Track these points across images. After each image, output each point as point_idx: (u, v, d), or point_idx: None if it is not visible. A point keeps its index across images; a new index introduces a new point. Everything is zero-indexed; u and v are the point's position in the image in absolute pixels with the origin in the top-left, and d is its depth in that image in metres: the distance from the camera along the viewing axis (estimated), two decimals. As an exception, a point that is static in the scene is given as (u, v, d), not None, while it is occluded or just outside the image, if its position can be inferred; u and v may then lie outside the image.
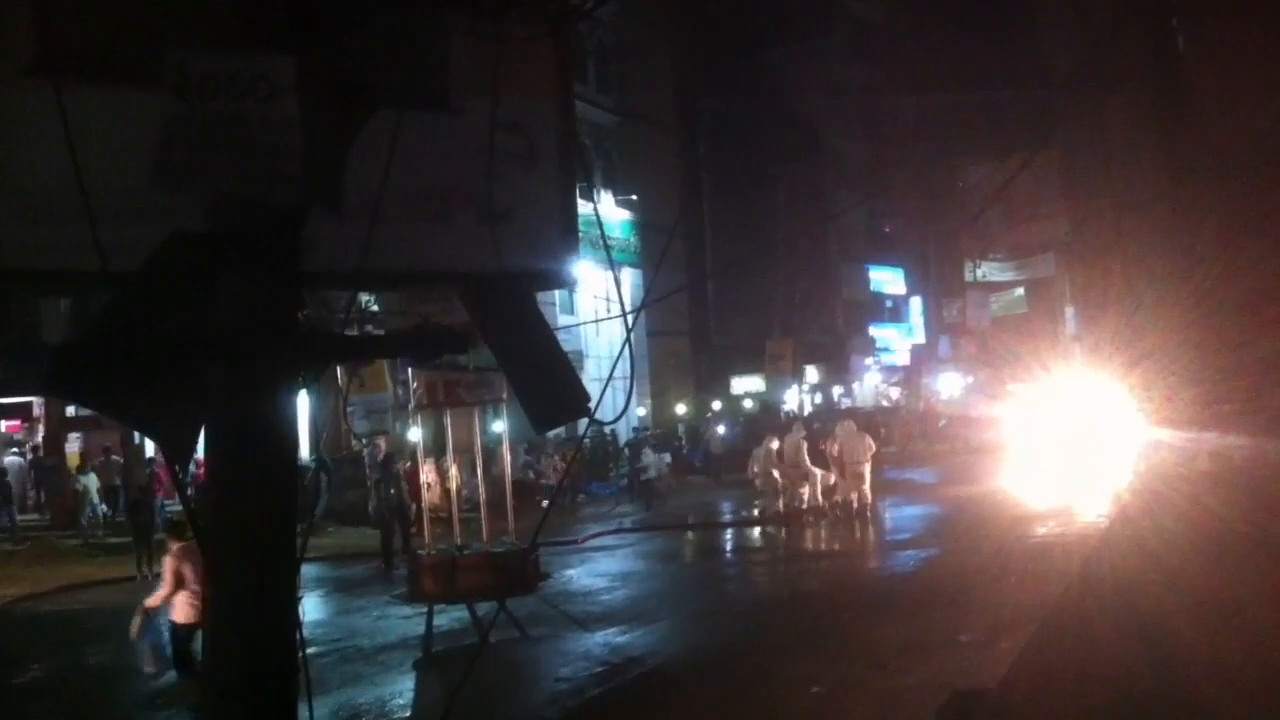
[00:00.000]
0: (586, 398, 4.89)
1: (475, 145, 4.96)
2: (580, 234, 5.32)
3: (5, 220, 4.77)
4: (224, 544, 4.52)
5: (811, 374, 52.32)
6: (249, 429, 4.42)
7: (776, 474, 24.10)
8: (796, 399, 47.32)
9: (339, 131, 4.70)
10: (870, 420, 36.50)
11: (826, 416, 39.84)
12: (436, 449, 21.01)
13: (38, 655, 15.33)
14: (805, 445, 24.09)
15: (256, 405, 4.43)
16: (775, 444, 24.48)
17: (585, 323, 33.21)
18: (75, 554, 24.30)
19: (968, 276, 61.50)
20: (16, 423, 31.00)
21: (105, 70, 4.68)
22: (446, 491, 18.93)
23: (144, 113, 4.50)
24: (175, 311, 4.37)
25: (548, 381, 4.78)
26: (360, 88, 4.73)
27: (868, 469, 23.44)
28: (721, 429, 38.26)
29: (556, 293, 30.02)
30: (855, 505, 23.23)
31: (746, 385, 50.09)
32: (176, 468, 4.77)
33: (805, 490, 23.71)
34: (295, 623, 4.58)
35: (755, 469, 25.05)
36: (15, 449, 31.10)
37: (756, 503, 25.36)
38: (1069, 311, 43.64)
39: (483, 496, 15.10)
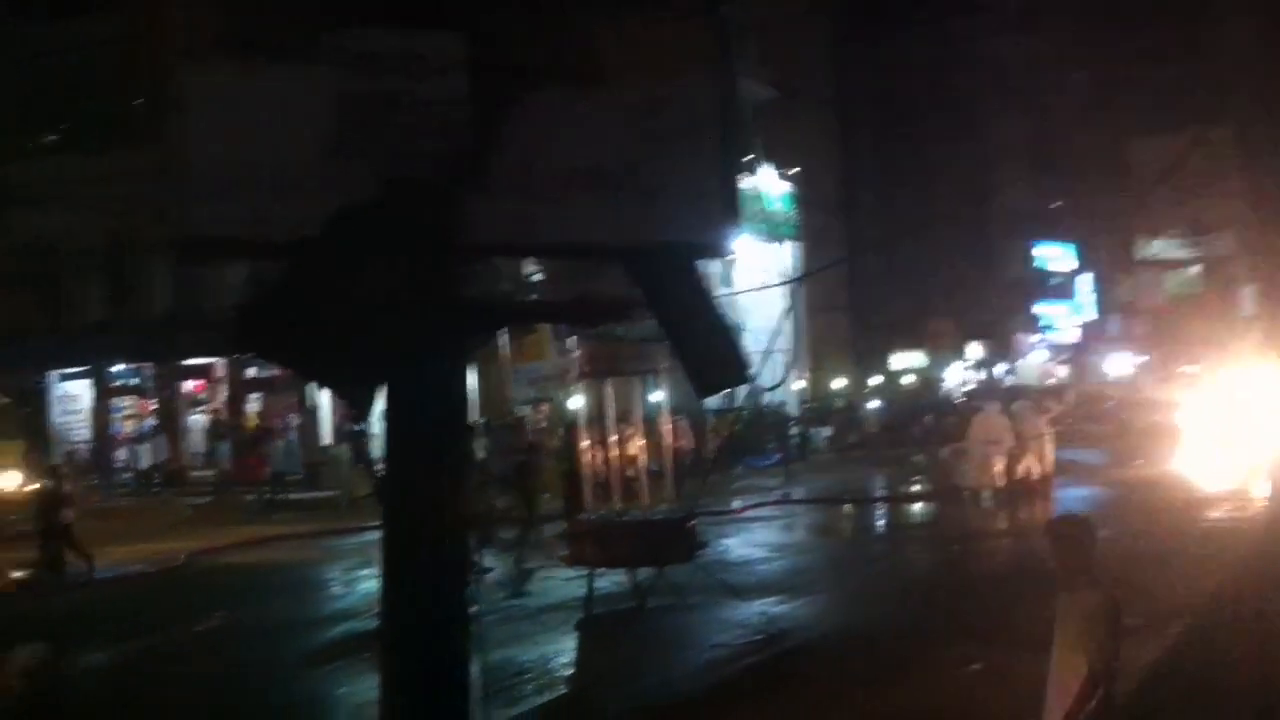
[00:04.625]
0: (748, 365, 4.94)
1: (637, 120, 5.04)
2: (740, 207, 5.36)
3: (191, 192, 4.97)
4: (398, 500, 4.72)
5: (974, 350, 51.32)
6: (423, 389, 4.59)
7: (995, 446, 23.03)
8: (959, 376, 46.48)
9: (503, 108, 4.82)
10: (1038, 399, 35.60)
11: (990, 394, 39.02)
12: (597, 418, 21.28)
13: (232, 605, 16.10)
14: (1019, 419, 23.10)
15: (429, 367, 4.60)
16: (993, 412, 23.47)
17: (742, 292, 33.13)
18: (253, 510, 25.39)
19: (1140, 254, 59.37)
20: (201, 383, 32.47)
21: (282, 50, 4.87)
22: (609, 459, 19.19)
23: (317, 91, 4.70)
24: (350, 278, 4.58)
25: (710, 349, 4.86)
26: (523, 66, 4.86)
27: (1048, 447, 22.86)
28: (875, 404, 37.85)
29: (713, 265, 30.01)
30: (1030, 482, 22.62)
31: (906, 361, 49.41)
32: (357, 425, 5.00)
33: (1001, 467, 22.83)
34: (466, 580, 4.75)
35: (947, 450, 24.37)
36: (200, 408, 32.57)
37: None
38: (1246, 291, 41.84)
39: (643, 465, 15.27)
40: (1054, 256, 58.62)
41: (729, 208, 5.19)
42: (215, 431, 31.73)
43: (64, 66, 29.06)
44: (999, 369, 54.19)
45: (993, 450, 22.62)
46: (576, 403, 20.24)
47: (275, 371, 31.14)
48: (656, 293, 4.96)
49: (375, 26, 4.75)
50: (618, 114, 5.00)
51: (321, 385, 4.93)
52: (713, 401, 32.50)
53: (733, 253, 5.21)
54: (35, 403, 31.06)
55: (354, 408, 4.71)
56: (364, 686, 11.49)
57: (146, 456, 30.72)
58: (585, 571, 14.32)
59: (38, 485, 19.08)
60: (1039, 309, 56.94)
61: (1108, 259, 59.92)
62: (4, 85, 29.58)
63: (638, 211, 4.93)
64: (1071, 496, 23.85)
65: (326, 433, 30.44)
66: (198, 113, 4.86)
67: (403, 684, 4.69)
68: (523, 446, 22.65)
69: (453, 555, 4.69)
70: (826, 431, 37.16)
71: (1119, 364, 53.20)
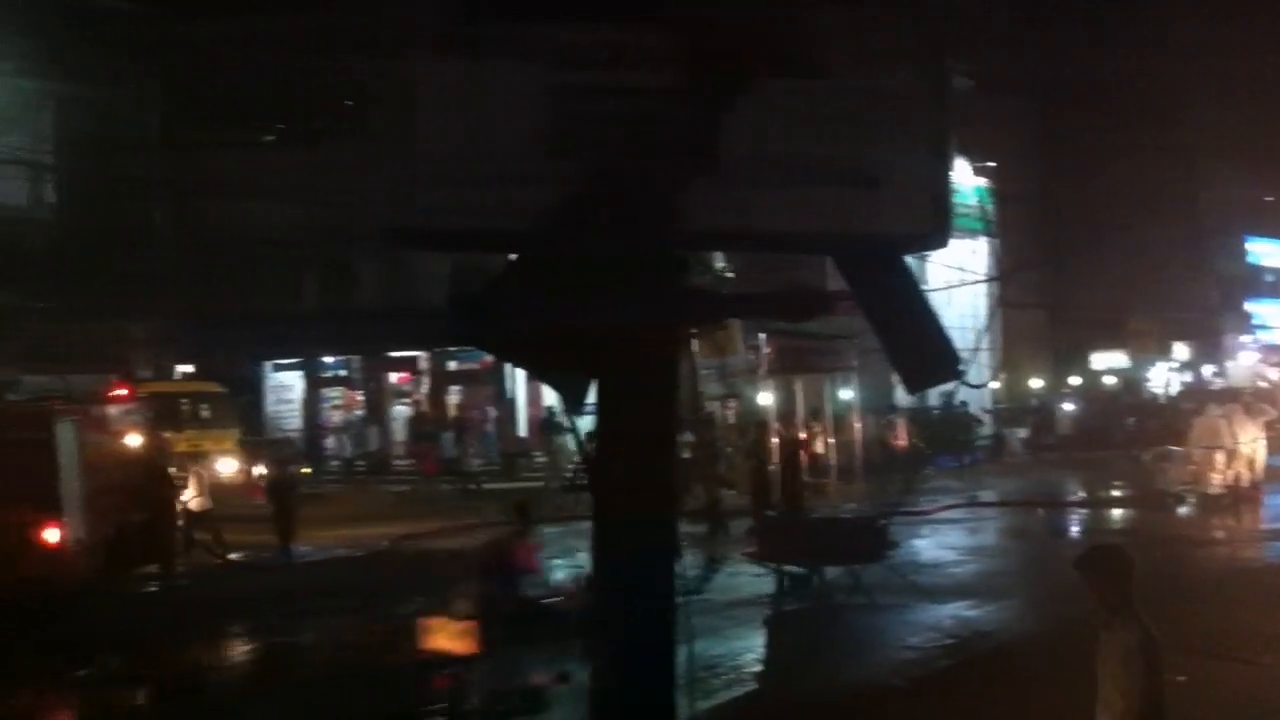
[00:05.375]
0: (958, 360, 4.94)
1: (847, 111, 5.06)
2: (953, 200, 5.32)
3: (414, 184, 5.05)
4: (609, 493, 4.85)
5: (1179, 351, 49.31)
6: (635, 382, 4.71)
7: (1216, 450, 22.28)
8: (1163, 377, 44.73)
9: (713, 99, 4.90)
10: (1251, 403, 34.00)
11: (1205, 396, 37.43)
12: (786, 414, 21.28)
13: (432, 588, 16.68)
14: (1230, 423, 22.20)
15: (642, 359, 4.72)
16: (1215, 415, 22.60)
17: (940, 289, 32.58)
18: (452, 499, 26.22)
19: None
20: (406, 375, 33.69)
21: (506, 43, 4.97)
22: (798, 455, 19.20)
23: (535, 83, 4.84)
24: (566, 270, 4.75)
25: (921, 345, 4.86)
26: (732, 56, 4.92)
27: (1261, 453, 21.89)
28: (1070, 405, 36.73)
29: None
30: (1239, 489, 21.70)
31: (1107, 361, 47.78)
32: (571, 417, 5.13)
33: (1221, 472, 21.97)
34: (675, 571, 4.87)
35: (1151, 454, 23.57)
36: (404, 400, 33.80)
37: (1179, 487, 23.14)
38: None
39: (834, 462, 15.25)
40: (1269, 252, 55.90)
41: (943, 200, 5.16)
42: (417, 422, 32.83)
43: (278, 60, 30.37)
44: (1206, 370, 51.94)
45: (1213, 455, 21.77)
46: (765, 399, 20.33)
47: (476, 364, 32.16)
48: (866, 286, 4.98)
49: (592, 19, 4.88)
50: (831, 103, 5.01)
51: (536, 377, 5.12)
52: (903, 400, 32.12)
53: (946, 246, 5.17)
54: (250, 392, 32.65)
55: (567, 400, 4.87)
56: (559, 669, 11.84)
57: (354, 445, 32.02)
58: (773, 568, 14.37)
59: (271, 468, 20.18)
60: (1251, 307, 54.36)
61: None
62: (220, 79, 31.08)
63: (851, 202, 4.93)
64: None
65: (524, 425, 31.23)
66: (420, 106, 4.96)
67: (612, 671, 4.84)
68: (712, 442, 22.78)
69: (661, 546, 4.81)
70: (1021, 432, 36.24)
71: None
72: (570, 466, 26.05)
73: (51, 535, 14.44)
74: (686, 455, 22.30)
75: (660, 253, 4.86)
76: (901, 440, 29.28)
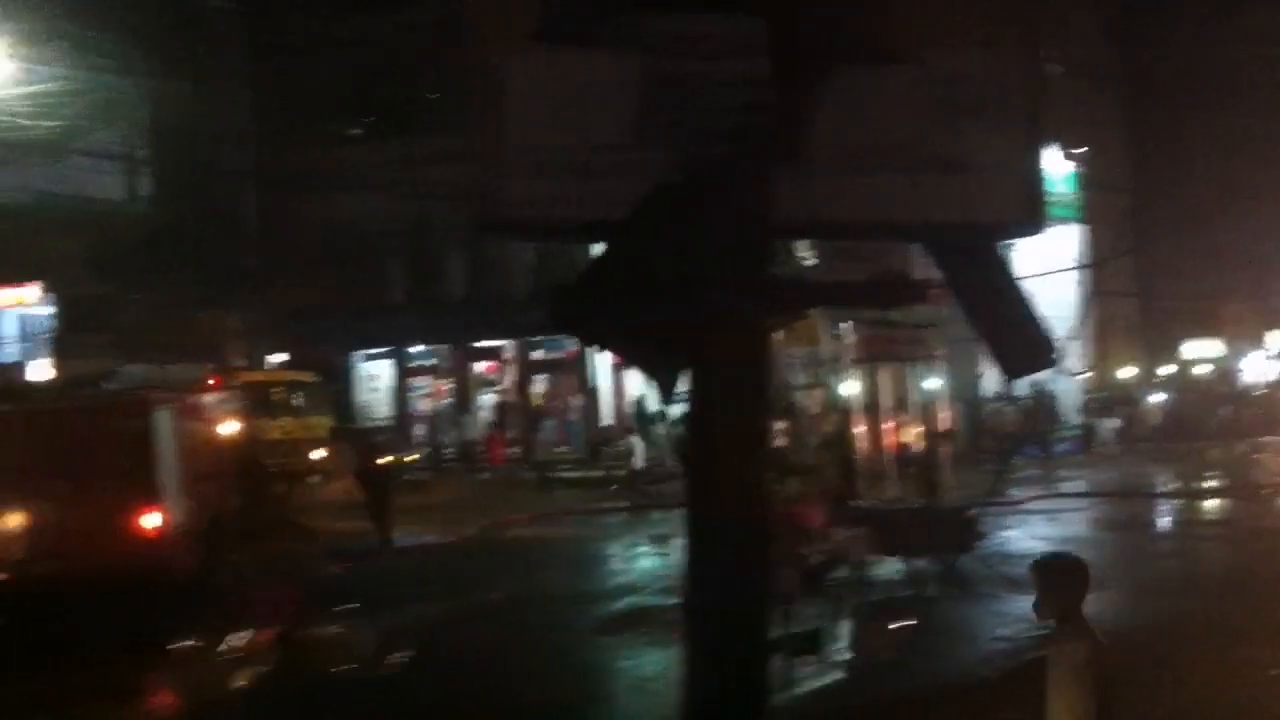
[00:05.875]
0: (1054, 349, 4.92)
1: (937, 96, 5.04)
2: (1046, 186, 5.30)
3: (508, 175, 5.14)
4: (701, 478, 4.91)
5: (1275, 339, 48.09)
6: (727, 371, 4.76)
7: None
8: (1259, 366, 43.66)
9: (802, 87, 4.91)
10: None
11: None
12: (871, 404, 21.15)
13: (520, 576, 16.91)
14: None
15: (733, 348, 4.77)
16: None
17: (1032, 276, 32.18)
18: (537, 487, 26.46)
19: None
20: (493, 364, 34.05)
21: (595, 36, 5.04)
22: (883, 445, 19.08)
23: (625, 74, 4.91)
24: (659, 259, 4.80)
25: (1017, 333, 4.85)
26: (821, 43, 4.93)
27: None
28: (1159, 396, 36.03)
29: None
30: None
31: (1200, 350, 46.74)
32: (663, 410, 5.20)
33: None
34: (768, 559, 4.91)
35: (1248, 444, 23.05)
36: (490, 389, 34.15)
37: None
38: None
39: (919, 453, 15.16)
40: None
41: (1036, 187, 5.14)
42: (500, 411, 33.17)
43: (369, 55, 30.80)
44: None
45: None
46: (849, 389, 20.22)
47: (561, 354, 32.43)
48: (960, 274, 4.98)
49: (679, 10, 4.91)
50: (922, 89, 5.00)
51: (630, 366, 5.16)
52: (990, 390, 31.75)
53: (1040, 232, 5.13)
54: (341, 381, 33.20)
55: (660, 388, 4.93)
56: (646, 660, 11.95)
57: (442, 434, 32.43)
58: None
59: (366, 456, 20.52)
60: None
61: None
62: (311, 74, 31.57)
63: (942, 190, 4.93)
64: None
65: (608, 413, 31.43)
66: (513, 98, 5.05)
67: (707, 658, 4.88)
68: (796, 431, 22.73)
69: (755, 535, 4.86)
70: (1112, 422, 35.64)
71: None
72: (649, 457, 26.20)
73: (151, 521, 14.71)
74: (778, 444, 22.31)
75: (751, 242, 4.89)
76: (989, 430, 28.97)
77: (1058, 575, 4.92)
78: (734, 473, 4.78)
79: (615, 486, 24.98)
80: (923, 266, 6.32)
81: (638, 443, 25.46)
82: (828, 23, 4.96)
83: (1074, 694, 4.79)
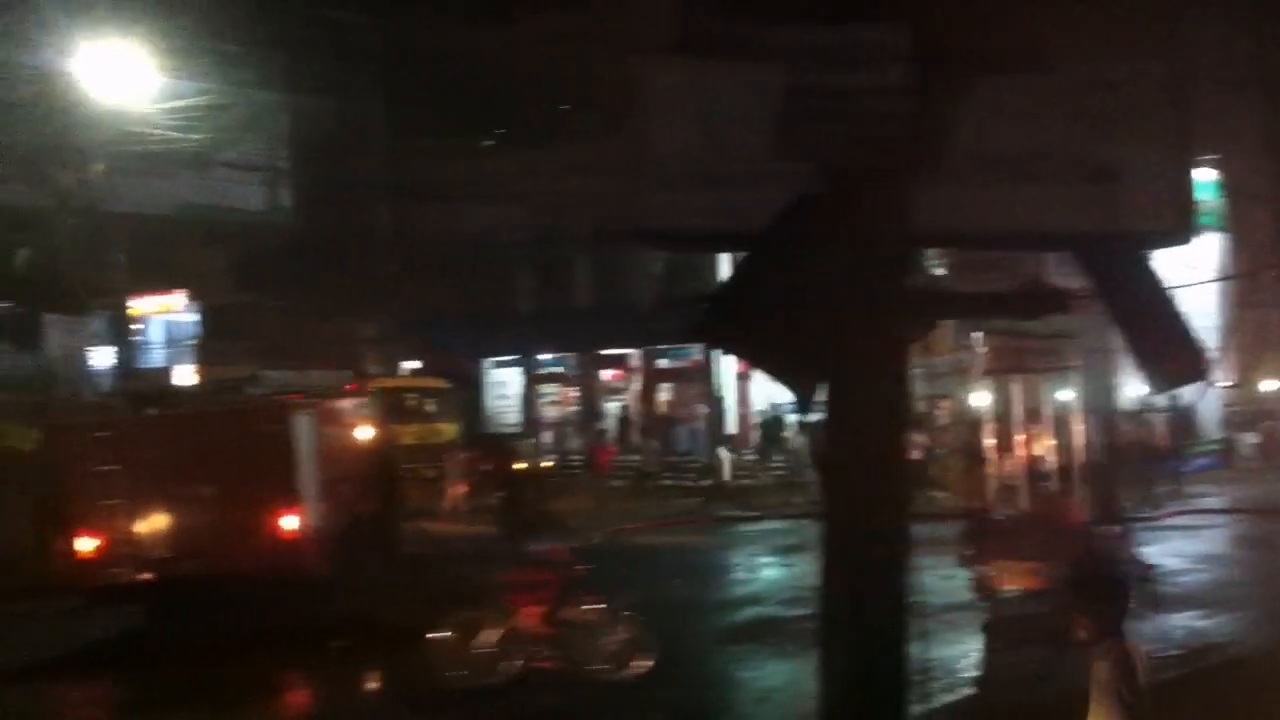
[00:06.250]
0: (1206, 362, 4.80)
1: (1081, 104, 4.96)
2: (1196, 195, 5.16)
3: (647, 186, 5.16)
4: (839, 489, 4.89)
5: None
6: (866, 381, 4.74)
7: None
8: None
9: (944, 95, 4.86)
10: None
11: None
12: (1002, 416, 20.75)
13: (643, 583, 16.94)
14: None
15: (873, 359, 4.75)
16: None
17: (1182, 287, 31.26)
18: (660, 494, 26.54)
19: None
20: (619, 372, 34.27)
21: (734, 46, 5.04)
22: (1015, 458, 18.69)
23: (764, 85, 4.89)
24: (798, 269, 4.80)
25: (1167, 344, 4.75)
26: (969, 50, 4.87)
27: None
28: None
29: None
30: None
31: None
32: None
33: None
34: (907, 572, 4.86)
35: None
36: (616, 397, 34.36)
37: None
38: None
39: (1051, 465, 14.83)
40: None
41: (1186, 195, 5.02)
42: (624, 419, 33.34)
43: (503, 66, 31.21)
44: None
45: None
46: (979, 400, 19.85)
47: (686, 362, 32.50)
48: (1109, 284, 4.89)
49: (819, 20, 4.89)
50: (1067, 97, 4.93)
51: (768, 376, 5.15)
52: (1127, 403, 30.90)
53: (1191, 242, 5.01)
54: (471, 388, 33.72)
55: (798, 399, 4.93)
56: (769, 671, 11.91)
57: (569, 441, 32.73)
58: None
59: (500, 462, 20.79)
60: None
61: None
62: (445, 85, 32.12)
63: (1089, 198, 4.85)
64: None
65: (733, 422, 31.40)
66: (652, 109, 5.07)
67: (843, 673, 4.86)
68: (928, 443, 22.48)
69: (894, 547, 4.83)
70: (1253, 437, 34.46)
71: None
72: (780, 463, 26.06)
73: (289, 523, 15.03)
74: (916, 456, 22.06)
75: (891, 252, 4.86)
76: (1126, 444, 28.13)
77: (1098, 592, 4.96)
78: (873, 484, 4.75)
79: (701, 498, 25.00)
80: (1058, 276, 6.21)
81: (725, 455, 25.47)
82: (971, 29, 4.91)
83: (1108, 707, 4.86)
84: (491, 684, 11.36)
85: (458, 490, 25.56)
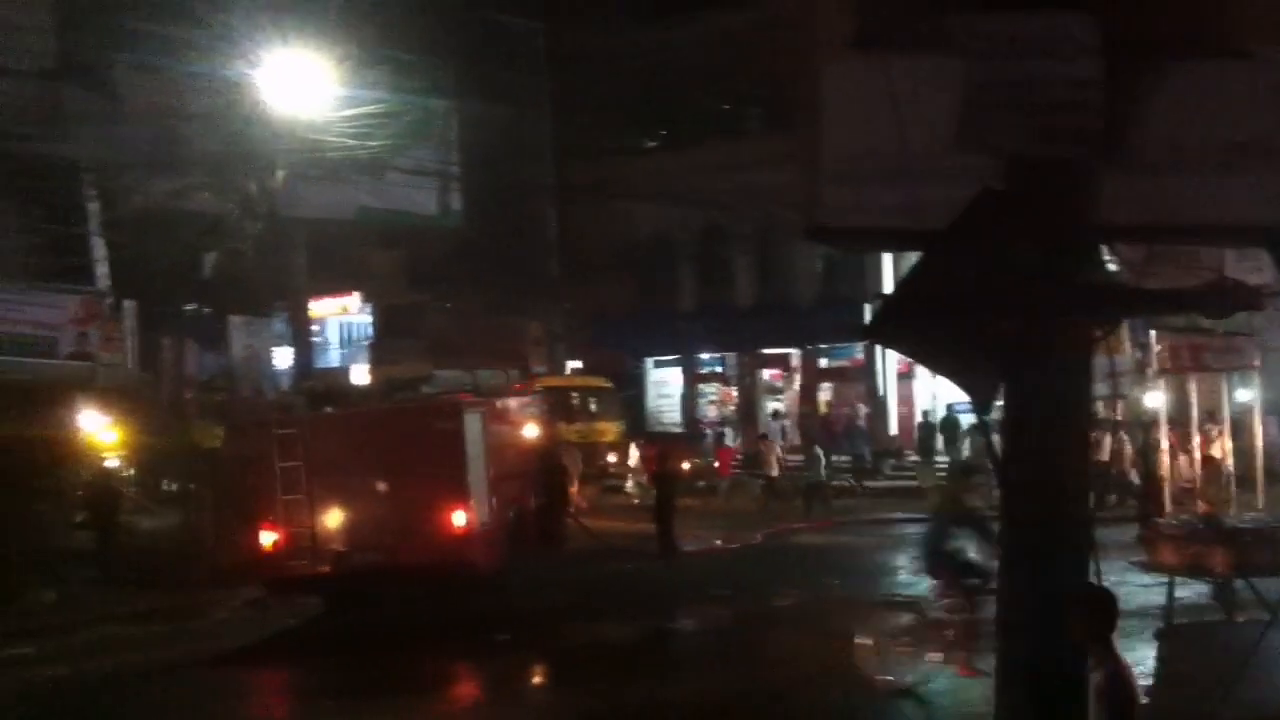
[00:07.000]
0: None
1: (1274, 93, 4.80)
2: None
3: (827, 183, 5.12)
4: (1020, 493, 4.84)
5: None
6: (1050, 380, 4.67)
7: None
8: None
9: (1128, 85, 4.74)
10: None
11: None
12: (1179, 417, 20.09)
13: (806, 582, 16.93)
14: None
15: (1052, 358, 4.68)
16: None
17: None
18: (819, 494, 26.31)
19: None
20: (778, 372, 34.15)
21: (914, 40, 5.00)
22: (1195, 461, 18.12)
23: (946, 78, 4.83)
24: (979, 266, 4.73)
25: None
26: (1158, 40, 4.74)
27: None
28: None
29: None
30: None
31: None
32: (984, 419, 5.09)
33: None
34: (1087, 572, 4.81)
35: None
36: (777, 396, 34.23)
37: None
38: None
39: (1231, 468, 14.34)
40: None
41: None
42: (777, 419, 33.15)
43: (669, 65, 31.35)
44: None
45: None
46: (1155, 400, 19.22)
47: (847, 362, 32.18)
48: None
49: (1003, 11, 4.79)
50: (1259, 86, 4.78)
51: (945, 375, 5.09)
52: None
53: None
54: (633, 386, 33.99)
55: (975, 399, 4.90)
56: (922, 673, 11.76)
57: (729, 440, 32.64)
58: (1163, 579, 13.64)
59: (662, 462, 20.95)
60: None
61: None
62: (611, 86, 32.41)
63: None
64: None
65: (894, 422, 30.99)
66: (831, 105, 5.05)
67: (1023, 676, 4.84)
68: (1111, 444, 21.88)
69: (1073, 548, 4.78)
70: None
71: None
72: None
73: (459, 519, 15.31)
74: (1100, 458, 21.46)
75: (1075, 247, 4.77)
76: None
77: (1088, 607, 5.06)
78: (1057, 485, 4.71)
79: (799, 500, 24.68)
80: (1235, 269, 6.03)
81: (820, 456, 25.14)
82: (1160, 18, 4.77)
83: (1098, 714, 4.93)
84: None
85: (628, 483, 25.89)
